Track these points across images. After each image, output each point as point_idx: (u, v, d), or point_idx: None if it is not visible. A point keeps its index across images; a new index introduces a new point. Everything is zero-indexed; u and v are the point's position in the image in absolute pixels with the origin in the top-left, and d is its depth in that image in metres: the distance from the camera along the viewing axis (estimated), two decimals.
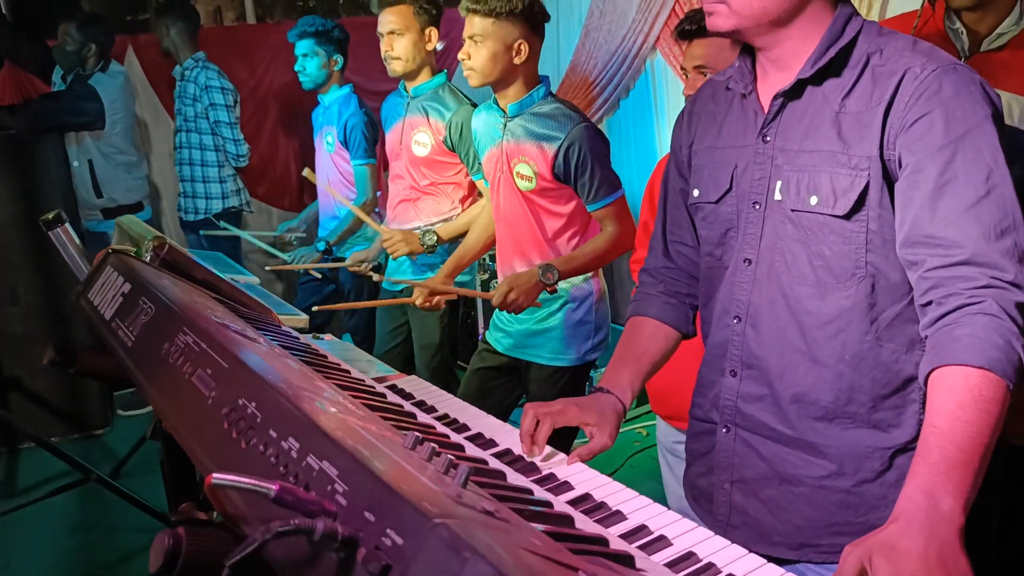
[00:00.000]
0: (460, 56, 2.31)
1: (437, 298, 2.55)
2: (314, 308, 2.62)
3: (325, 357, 1.45)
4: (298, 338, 1.56)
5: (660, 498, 1.10)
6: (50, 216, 1.88)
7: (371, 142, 3.41)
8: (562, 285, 2.40)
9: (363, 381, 1.36)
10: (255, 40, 5.13)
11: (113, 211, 3.94)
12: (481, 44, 2.26)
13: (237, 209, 4.25)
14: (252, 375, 0.92)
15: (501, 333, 2.54)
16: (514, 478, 1.09)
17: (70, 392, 3.85)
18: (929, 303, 1.15)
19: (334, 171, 3.58)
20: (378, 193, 3.53)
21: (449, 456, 0.81)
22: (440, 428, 1.22)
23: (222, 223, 4.03)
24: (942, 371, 1.09)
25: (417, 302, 2.55)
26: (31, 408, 3.76)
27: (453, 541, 0.60)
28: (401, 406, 1.28)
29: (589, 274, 2.45)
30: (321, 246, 3.57)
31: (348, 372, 1.40)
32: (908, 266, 1.20)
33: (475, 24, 2.26)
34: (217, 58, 4.30)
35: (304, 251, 3.71)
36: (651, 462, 3.47)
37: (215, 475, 0.66)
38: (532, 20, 2.29)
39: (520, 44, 2.27)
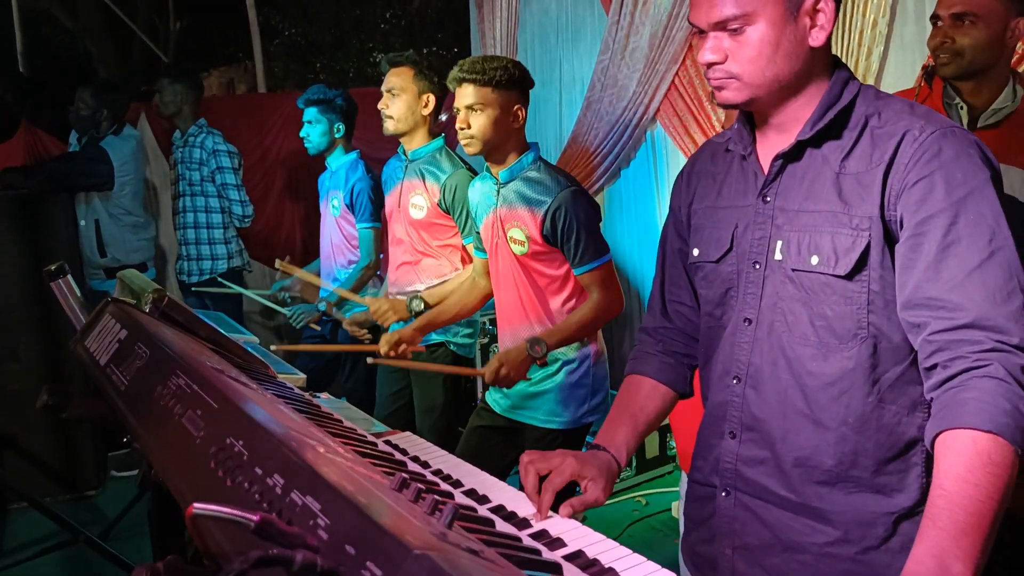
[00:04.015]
0: (458, 125, 2.35)
1: (403, 347, 2.56)
2: (272, 348, 2.65)
3: (318, 407, 1.45)
4: (292, 388, 1.55)
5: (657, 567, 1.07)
6: (52, 267, 1.89)
7: (376, 206, 3.46)
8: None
9: (354, 430, 1.36)
10: (264, 109, 5.26)
11: (116, 271, 3.96)
12: (481, 112, 2.31)
13: (239, 269, 4.32)
14: (241, 415, 0.92)
15: (499, 394, 2.53)
16: (503, 527, 1.07)
17: (64, 452, 3.82)
18: (934, 366, 1.14)
19: (338, 234, 3.63)
20: (381, 255, 3.56)
21: (436, 498, 0.81)
22: (430, 477, 1.21)
23: (227, 284, 4.06)
24: (950, 434, 1.08)
25: (382, 350, 2.56)
26: (25, 467, 3.72)
27: (435, 573, 0.59)
28: (392, 454, 1.27)
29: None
30: (322, 307, 3.58)
31: (340, 422, 1.39)
32: (910, 329, 1.19)
33: (472, 93, 2.31)
34: (228, 126, 4.41)
35: (305, 308, 3.73)
36: (649, 532, 3.41)
37: (196, 505, 0.66)
38: (524, 87, 2.37)
39: (518, 109, 2.35)
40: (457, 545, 0.69)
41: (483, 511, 1.12)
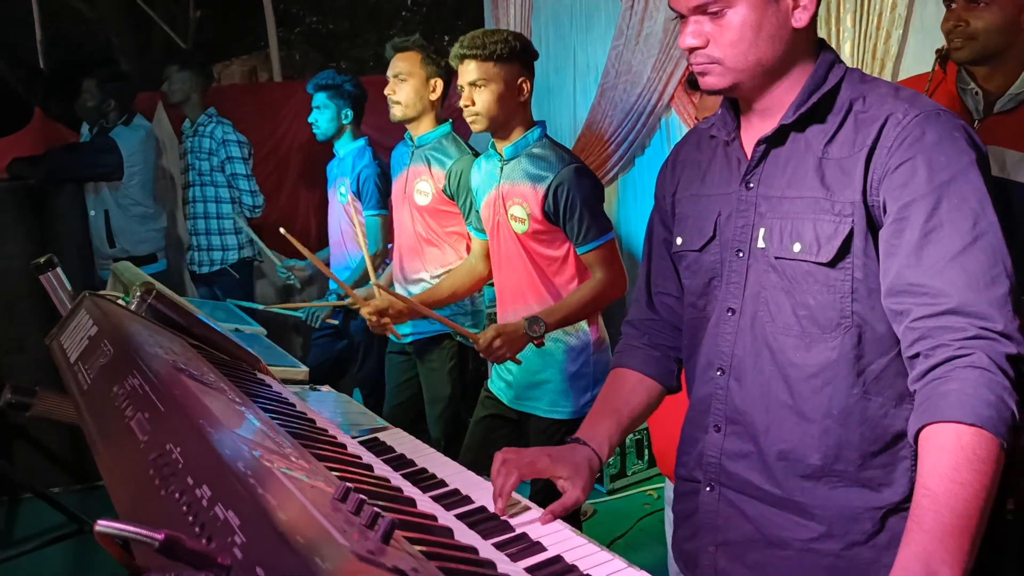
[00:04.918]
0: (462, 103, 2.28)
1: (385, 320, 2.45)
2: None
3: (293, 406, 1.41)
4: (270, 387, 1.51)
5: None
6: (41, 260, 1.88)
7: (383, 193, 3.42)
8: (558, 334, 2.35)
9: (325, 432, 1.32)
10: (278, 97, 5.23)
11: (127, 261, 3.98)
12: (484, 88, 2.25)
13: (249, 259, 4.29)
14: (184, 420, 0.88)
15: (503, 383, 2.49)
16: (466, 536, 1.03)
17: (73, 442, 3.83)
18: (917, 355, 1.11)
19: (347, 222, 3.60)
20: (389, 245, 3.53)
21: (375, 509, 0.76)
22: (395, 482, 1.16)
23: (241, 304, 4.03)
24: (932, 429, 1.05)
25: (363, 311, 2.45)
26: (34, 457, 3.74)
27: None
28: (359, 458, 1.23)
29: (586, 324, 2.39)
30: (333, 298, 3.56)
31: (312, 422, 1.35)
32: (893, 317, 1.16)
33: (475, 69, 2.25)
34: (242, 115, 4.38)
35: (316, 303, 3.72)
36: (660, 525, 3.35)
37: (100, 522, 0.62)
38: (528, 59, 2.31)
39: (523, 83, 2.28)
40: (383, 565, 0.65)
41: (447, 518, 1.07)
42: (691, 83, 1.98)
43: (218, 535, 0.67)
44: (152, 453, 0.86)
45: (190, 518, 0.72)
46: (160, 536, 0.60)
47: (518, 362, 2.28)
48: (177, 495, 0.76)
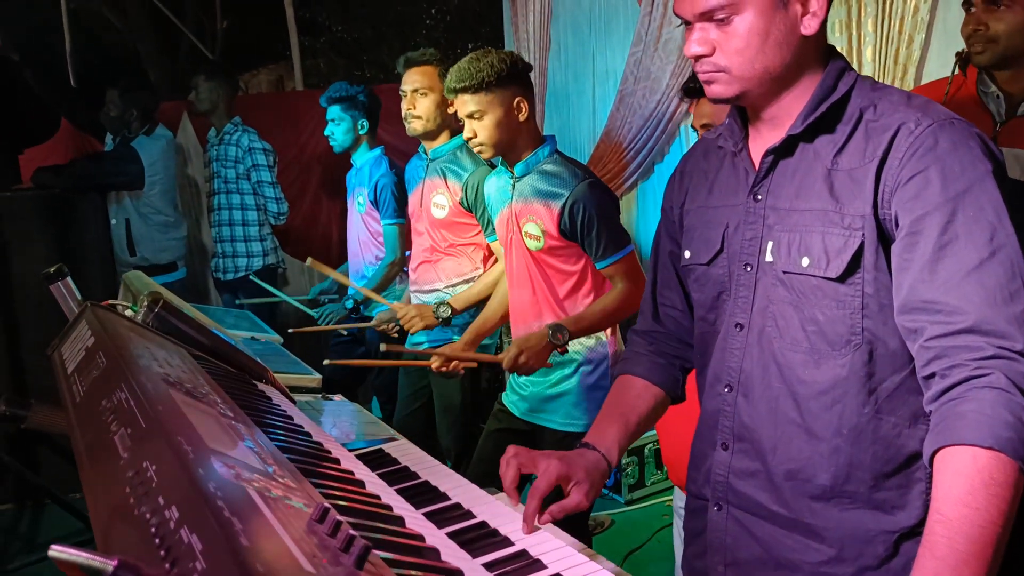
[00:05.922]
0: (465, 135, 2.28)
1: (454, 363, 2.48)
2: (325, 362, 2.60)
3: (290, 419, 1.39)
4: (269, 399, 1.50)
5: None
6: (51, 270, 1.89)
7: (400, 202, 3.42)
8: (576, 347, 2.32)
9: (320, 446, 1.30)
10: (300, 105, 5.26)
11: (146, 270, 4.01)
12: (483, 118, 2.24)
13: (274, 266, 4.33)
14: (164, 436, 0.86)
15: (517, 396, 2.46)
16: (456, 556, 1.00)
17: None
18: (932, 375, 1.06)
19: (364, 231, 3.60)
20: (407, 253, 3.52)
21: (351, 531, 0.74)
22: (387, 498, 1.14)
23: (263, 284, 4.05)
24: (948, 451, 1.00)
25: (433, 366, 2.49)
26: (59, 462, 3.76)
27: None
28: (351, 473, 1.21)
29: (604, 336, 2.36)
30: (349, 304, 3.56)
31: (308, 436, 1.33)
32: (907, 334, 1.11)
33: (470, 102, 2.23)
34: (265, 123, 4.41)
35: (332, 308, 3.71)
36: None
37: (53, 547, 0.60)
38: (520, 76, 2.27)
39: (519, 101, 2.25)
40: None
41: (437, 536, 1.05)
42: (687, 91, 1.95)
43: (181, 560, 0.65)
44: (130, 470, 0.85)
45: (156, 540, 0.70)
46: (113, 563, 0.59)
47: (549, 365, 2.27)
48: (148, 515, 0.75)
